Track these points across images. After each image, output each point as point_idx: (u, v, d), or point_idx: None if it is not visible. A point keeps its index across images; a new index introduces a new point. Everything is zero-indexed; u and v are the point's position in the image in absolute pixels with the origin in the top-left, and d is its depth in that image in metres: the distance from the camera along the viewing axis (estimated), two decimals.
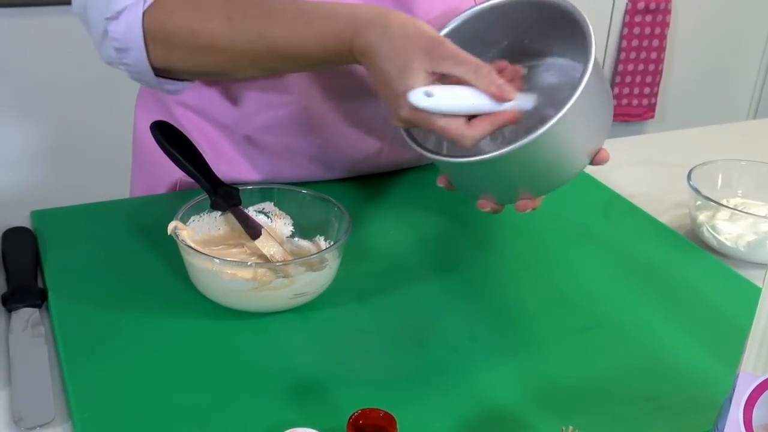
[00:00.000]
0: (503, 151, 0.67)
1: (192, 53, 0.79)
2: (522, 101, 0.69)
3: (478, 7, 0.77)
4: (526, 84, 0.75)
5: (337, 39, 0.72)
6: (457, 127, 0.67)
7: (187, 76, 0.85)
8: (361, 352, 0.71)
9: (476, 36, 0.76)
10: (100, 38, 0.80)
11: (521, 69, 0.73)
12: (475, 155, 0.69)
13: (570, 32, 0.73)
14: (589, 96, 0.67)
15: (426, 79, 0.68)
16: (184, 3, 0.78)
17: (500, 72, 0.71)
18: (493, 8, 0.77)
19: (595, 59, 0.69)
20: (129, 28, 0.77)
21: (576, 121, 0.67)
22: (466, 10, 0.78)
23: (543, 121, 0.66)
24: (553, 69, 0.80)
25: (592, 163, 0.74)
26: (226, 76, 0.88)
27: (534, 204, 0.75)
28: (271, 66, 0.81)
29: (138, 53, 0.79)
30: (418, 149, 0.74)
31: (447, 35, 0.77)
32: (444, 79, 0.69)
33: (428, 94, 0.67)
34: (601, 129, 0.73)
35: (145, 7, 0.77)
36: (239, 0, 0.77)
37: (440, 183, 0.77)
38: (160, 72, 0.82)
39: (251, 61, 0.78)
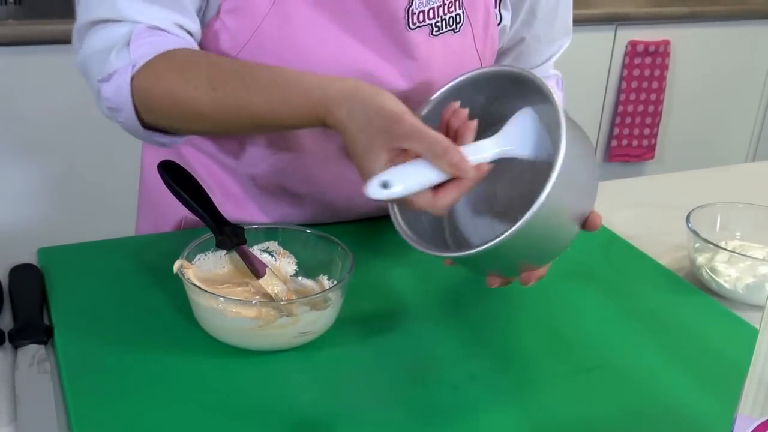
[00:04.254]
0: (488, 245, 0.68)
1: (177, 119, 0.82)
2: (486, 151, 0.70)
3: (456, 81, 0.79)
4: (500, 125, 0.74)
5: (312, 115, 0.74)
6: (426, 201, 0.68)
7: (177, 134, 0.87)
8: (363, 391, 0.72)
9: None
10: (96, 96, 0.83)
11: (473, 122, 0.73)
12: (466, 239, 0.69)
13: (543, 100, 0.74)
14: (569, 167, 0.68)
15: (388, 156, 0.68)
16: (170, 69, 0.79)
17: (453, 114, 0.72)
18: (473, 80, 0.78)
19: (571, 121, 0.70)
20: (118, 91, 0.80)
21: (561, 194, 0.68)
22: (447, 83, 0.79)
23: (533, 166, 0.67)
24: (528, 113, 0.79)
25: (585, 228, 0.74)
26: (213, 135, 0.93)
27: (539, 273, 0.77)
28: (253, 131, 0.88)
29: (128, 113, 0.81)
30: (411, 243, 0.75)
31: (434, 107, 0.78)
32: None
33: (385, 185, 0.66)
34: (589, 191, 0.74)
35: (134, 71, 0.79)
36: (220, 70, 0.79)
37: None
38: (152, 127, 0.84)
39: (233, 126, 0.82)
